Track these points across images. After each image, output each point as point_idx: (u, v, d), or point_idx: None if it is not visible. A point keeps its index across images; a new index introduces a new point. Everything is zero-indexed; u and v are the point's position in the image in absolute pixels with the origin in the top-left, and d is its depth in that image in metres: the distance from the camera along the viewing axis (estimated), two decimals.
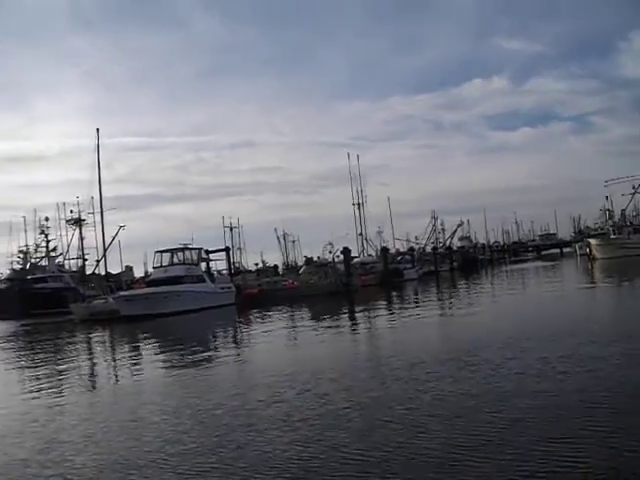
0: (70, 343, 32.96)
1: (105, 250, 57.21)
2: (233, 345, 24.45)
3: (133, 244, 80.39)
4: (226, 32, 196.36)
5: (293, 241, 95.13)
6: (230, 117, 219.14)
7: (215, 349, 23.44)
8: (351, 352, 18.97)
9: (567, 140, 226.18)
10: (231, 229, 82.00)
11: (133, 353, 24.95)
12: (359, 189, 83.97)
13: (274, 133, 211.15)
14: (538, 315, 23.72)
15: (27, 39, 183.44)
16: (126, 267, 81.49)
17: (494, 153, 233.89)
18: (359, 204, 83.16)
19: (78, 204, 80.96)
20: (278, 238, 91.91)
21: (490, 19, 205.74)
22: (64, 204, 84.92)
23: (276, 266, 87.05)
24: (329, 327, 28.73)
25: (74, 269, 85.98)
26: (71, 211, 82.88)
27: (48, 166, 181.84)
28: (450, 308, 32.44)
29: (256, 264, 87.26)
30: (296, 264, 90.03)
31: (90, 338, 35.36)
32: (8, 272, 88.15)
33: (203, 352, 22.23)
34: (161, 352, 23.40)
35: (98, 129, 56.09)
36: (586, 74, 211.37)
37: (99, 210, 59.25)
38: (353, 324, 29.48)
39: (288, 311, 41.40)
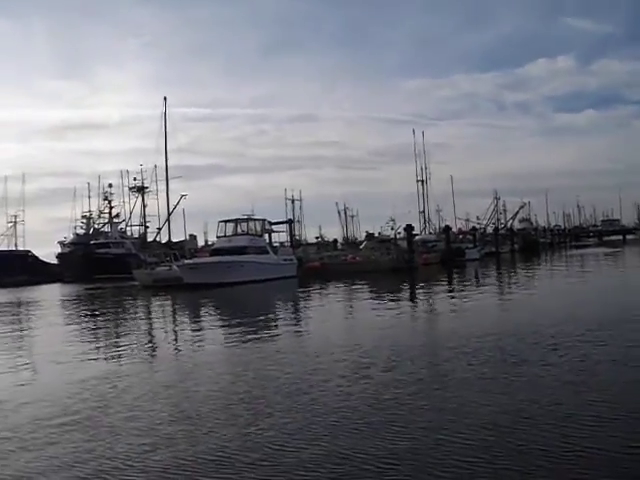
0: (136, 308, 33.17)
1: (168, 218, 57.60)
2: (298, 318, 24.03)
3: (193, 214, 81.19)
4: (290, 6, 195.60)
5: (352, 216, 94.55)
6: (291, 91, 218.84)
7: (280, 321, 23.11)
8: (425, 329, 18.52)
9: (632, 124, 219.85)
10: (292, 202, 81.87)
11: (200, 321, 24.83)
12: (423, 166, 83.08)
13: (334, 108, 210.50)
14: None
15: (91, 10, 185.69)
16: (190, 236, 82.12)
17: (557, 135, 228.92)
18: (423, 181, 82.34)
19: (141, 172, 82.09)
20: (339, 212, 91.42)
21: None
22: (127, 172, 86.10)
23: (335, 240, 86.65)
24: (396, 303, 28.30)
25: (136, 236, 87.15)
26: (134, 179, 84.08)
27: (109, 134, 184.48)
28: (518, 291, 31.51)
29: (317, 237, 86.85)
30: (355, 239, 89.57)
31: (155, 304, 35.54)
32: (71, 237, 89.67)
33: (268, 323, 21.95)
34: (228, 321, 23.08)
35: (165, 97, 56.49)
36: None
37: (162, 178, 59.92)
38: (418, 302, 28.87)
39: (351, 286, 40.99)
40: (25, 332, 23.18)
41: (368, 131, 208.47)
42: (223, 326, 21.44)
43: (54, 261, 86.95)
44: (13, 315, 32.29)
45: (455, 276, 49.50)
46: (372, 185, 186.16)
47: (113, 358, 14.84)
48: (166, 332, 21.92)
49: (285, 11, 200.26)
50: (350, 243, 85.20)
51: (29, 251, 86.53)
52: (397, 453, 6.86)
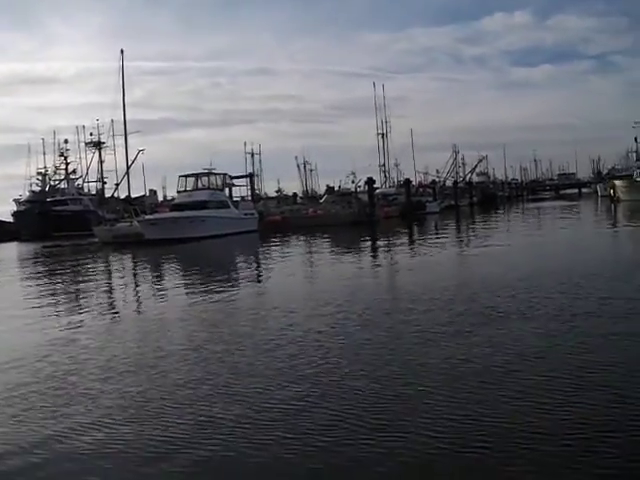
0: (96, 266, 32.64)
1: (127, 172, 56.61)
2: (264, 273, 23.80)
3: (150, 168, 79.85)
4: None
5: (311, 170, 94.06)
6: (247, 44, 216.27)
7: (246, 277, 22.82)
8: (396, 283, 18.44)
9: (589, 79, 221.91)
10: (252, 155, 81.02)
11: (166, 278, 24.46)
12: (383, 119, 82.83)
13: (291, 61, 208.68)
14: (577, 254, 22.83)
15: None
16: (150, 191, 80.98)
17: (514, 89, 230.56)
18: (383, 134, 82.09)
19: (98, 127, 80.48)
20: (298, 166, 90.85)
21: None
22: (84, 127, 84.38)
23: (295, 194, 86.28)
24: (360, 257, 28.32)
25: (93, 192, 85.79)
26: (91, 134, 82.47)
27: (63, 89, 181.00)
28: (483, 244, 31.65)
29: (276, 191, 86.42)
30: (315, 193, 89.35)
31: (116, 261, 35.07)
32: (27, 194, 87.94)
33: (235, 280, 21.74)
34: (196, 278, 22.78)
35: (122, 50, 55.04)
36: (614, 11, 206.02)
37: (119, 133, 58.88)
38: (383, 256, 28.70)
39: (312, 239, 40.92)
40: None
41: (325, 85, 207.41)
42: (191, 283, 21.02)
43: (9, 219, 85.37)
44: None
45: (416, 229, 49.70)
46: (330, 139, 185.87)
47: (78, 319, 14.41)
48: (132, 290, 21.45)
49: None
50: (310, 197, 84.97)
51: None
52: (381, 406, 6.75)
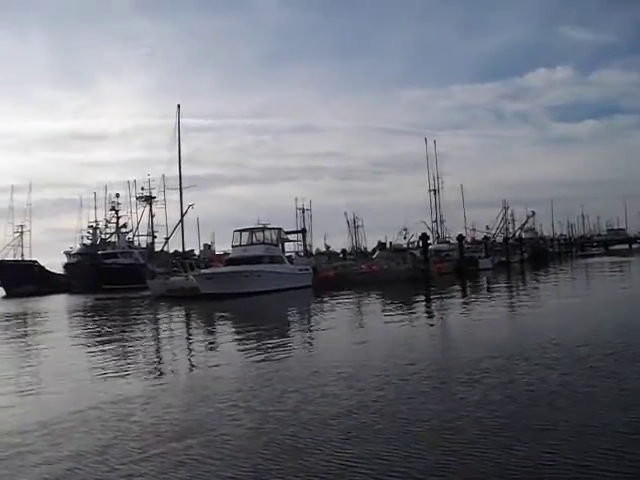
0: (156, 321, 32.24)
1: (182, 227, 56.61)
2: (320, 330, 22.79)
3: (195, 224, 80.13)
4: (288, 16, 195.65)
5: (357, 226, 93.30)
6: (290, 101, 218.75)
7: (302, 334, 22.07)
8: (467, 341, 17.57)
9: (632, 134, 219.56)
10: (303, 211, 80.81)
11: (225, 333, 23.87)
12: (435, 175, 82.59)
13: (333, 118, 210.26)
14: None
15: (90, 19, 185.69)
16: (204, 245, 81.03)
17: (558, 145, 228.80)
18: (435, 190, 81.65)
19: (149, 182, 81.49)
20: (348, 222, 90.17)
21: (557, 7, 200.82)
22: (135, 181, 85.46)
23: (344, 250, 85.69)
24: (422, 315, 27.55)
25: (143, 246, 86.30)
26: (142, 188, 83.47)
27: (110, 145, 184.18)
28: (545, 301, 30.59)
29: (327, 247, 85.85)
30: (365, 248, 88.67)
31: (176, 315, 34.65)
32: (78, 247, 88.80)
33: (292, 337, 21.02)
34: (258, 336, 21.87)
35: (179, 105, 55.59)
36: None
37: (170, 188, 59.22)
38: (446, 314, 27.74)
39: (368, 296, 40.16)
40: (46, 344, 22.16)
41: (367, 141, 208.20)
42: (250, 340, 20.03)
43: (60, 271, 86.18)
44: (32, 326, 31.39)
45: (473, 286, 48.70)
46: (374, 195, 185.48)
47: (136, 375, 13.74)
48: (194, 347, 20.78)
49: (283, 21, 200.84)
50: (359, 253, 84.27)
51: (35, 261, 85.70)
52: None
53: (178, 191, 55.72)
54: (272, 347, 17.25)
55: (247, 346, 17.34)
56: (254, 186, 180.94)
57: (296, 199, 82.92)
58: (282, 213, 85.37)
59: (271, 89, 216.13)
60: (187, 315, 34.60)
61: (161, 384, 12.21)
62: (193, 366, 15.08)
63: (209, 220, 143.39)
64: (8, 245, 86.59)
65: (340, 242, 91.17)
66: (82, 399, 11.03)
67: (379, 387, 11.06)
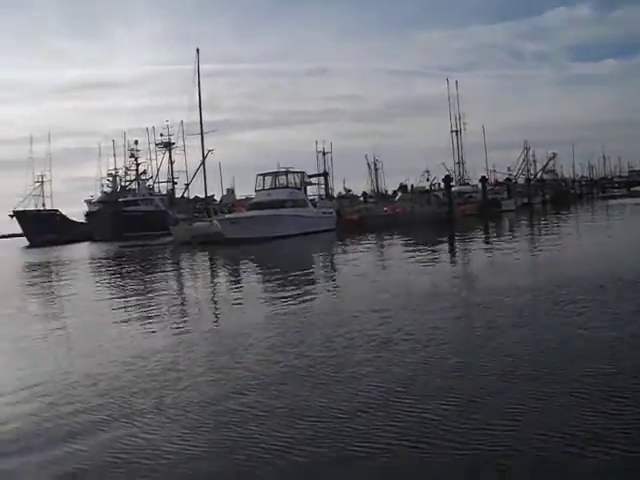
0: (184, 265, 32.10)
1: (203, 172, 56.16)
2: (351, 275, 22.12)
3: (214, 169, 79.38)
4: None
5: (377, 169, 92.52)
6: (303, 44, 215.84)
7: (332, 278, 21.65)
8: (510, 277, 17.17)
9: None
10: (323, 154, 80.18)
11: (259, 279, 23.58)
12: (457, 116, 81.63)
13: (348, 61, 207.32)
14: None
15: None
16: (227, 190, 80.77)
17: (577, 85, 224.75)
18: (457, 131, 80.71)
19: (168, 128, 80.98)
20: (368, 165, 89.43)
21: None
22: (153, 128, 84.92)
23: (365, 193, 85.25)
24: (454, 256, 27.16)
25: (163, 192, 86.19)
26: (161, 134, 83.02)
27: (126, 92, 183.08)
28: (575, 240, 30.14)
29: (347, 190, 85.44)
30: (386, 191, 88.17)
31: (204, 261, 34.51)
32: (99, 195, 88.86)
33: (322, 282, 20.60)
34: (288, 280, 21.37)
35: (198, 49, 54.67)
36: None
37: (189, 134, 58.77)
38: (479, 255, 27.13)
39: (395, 238, 39.81)
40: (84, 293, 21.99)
41: (384, 84, 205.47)
42: (284, 286, 19.12)
43: (81, 220, 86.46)
44: (67, 274, 31.30)
45: (498, 227, 48.15)
46: (390, 138, 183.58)
47: (174, 324, 13.37)
48: (229, 294, 20.41)
49: None
50: (380, 195, 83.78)
51: (57, 210, 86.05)
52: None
53: (195, 137, 55.30)
54: (307, 292, 16.88)
55: (282, 293, 16.92)
56: (270, 131, 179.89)
57: (316, 142, 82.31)
58: (300, 157, 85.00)
59: (285, 32, 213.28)
60: (215, 261, 34.41)
61: (202, 332, 11.93)
62: (231, 313, 14.77)
63: (227, 165, 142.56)
64: (29, 195, 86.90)
65: (359, 185, 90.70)
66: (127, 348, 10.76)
67: (436, 326, 10.72)
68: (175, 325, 12.94)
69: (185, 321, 13.69)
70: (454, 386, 7.08)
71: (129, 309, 15.50)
